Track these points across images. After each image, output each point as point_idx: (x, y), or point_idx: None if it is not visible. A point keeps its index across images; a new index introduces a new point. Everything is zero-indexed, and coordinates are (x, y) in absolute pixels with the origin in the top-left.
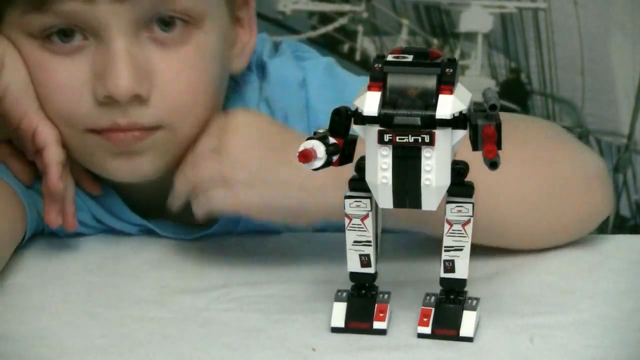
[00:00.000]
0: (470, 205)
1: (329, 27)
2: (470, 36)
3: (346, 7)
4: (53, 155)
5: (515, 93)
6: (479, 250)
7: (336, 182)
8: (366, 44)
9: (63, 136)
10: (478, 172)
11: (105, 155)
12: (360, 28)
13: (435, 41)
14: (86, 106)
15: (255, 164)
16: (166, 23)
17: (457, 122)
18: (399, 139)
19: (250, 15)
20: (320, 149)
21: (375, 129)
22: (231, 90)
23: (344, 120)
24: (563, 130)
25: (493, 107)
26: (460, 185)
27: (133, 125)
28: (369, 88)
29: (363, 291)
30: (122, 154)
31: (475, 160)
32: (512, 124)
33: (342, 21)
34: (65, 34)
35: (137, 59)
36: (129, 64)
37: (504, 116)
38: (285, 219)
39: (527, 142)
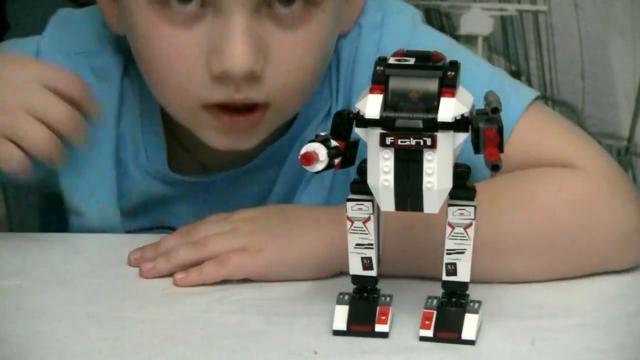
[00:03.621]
0: (472, 208)
1: None
2: (471, 39)
3: None
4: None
5: None
6: None
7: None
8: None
9: (177, 110)
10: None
11: (213, 131)
12: None
13: None
14: (202, 79)
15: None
16: (287, 0)
17: (458, 125)
18: (401, 142)
19: None
20: (322, 151)
21: (377, 132)
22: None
23: (345, 123)
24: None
25: (495, 110)
26: (462, 188)
27: (247, 99)
28: (371, 91)
29: (365, 294)
30: (229, 133)
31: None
32: (523, 180)
33: None
34: None
35: (254, 35)
36: (246, 40)
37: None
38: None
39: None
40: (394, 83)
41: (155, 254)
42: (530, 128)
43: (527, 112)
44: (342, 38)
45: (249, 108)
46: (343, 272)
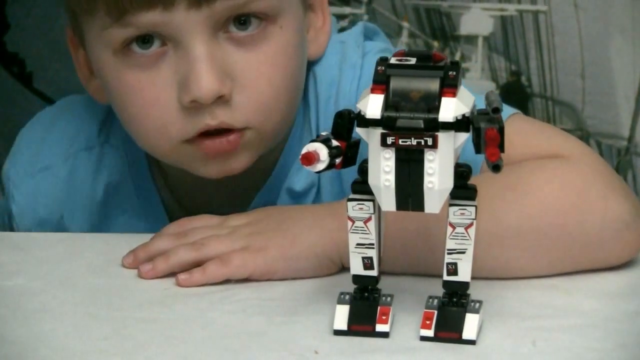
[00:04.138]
0: (473, 208)
1: None
2: (471, 39)
3: (347, 10)
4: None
5: (516, 96)
6: None
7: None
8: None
9: (162, 151)
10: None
11: (197, 160)
12: None
13: (435, 44)
14: (176, 115)
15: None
16: (242, 21)
17: (460, 125)
18: (402, 141)
19: (322, 0)
20: (323, 151)
21: (378, 131)
22: None
23: (347, 123)
24: (593, 175)
25: (496, 110)
26: (463, 188)
27: (223, 125)
28: (372, 91)
29: (366, 294)
30: (215, 158)
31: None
32: (522, 171)
33: (342, 24)
34: (144, 40)
35: (217, 60)
36: (210, 66)
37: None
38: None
39: (533, 194)
40: (395, 83)
41: (147, 255)
42: (514, 130)
43: (509, 119)
44: (318, 75)
45: (227, 130)
46: (344, 269)
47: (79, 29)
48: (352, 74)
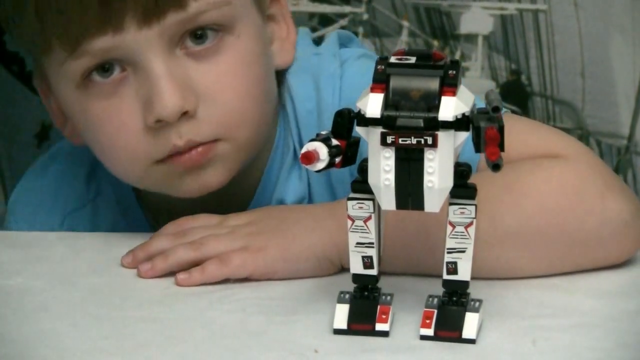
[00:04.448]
0: (473, 207)
1: (329, 29)
2: (471, 38)
3: (347, 9)
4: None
5: (516, 95)
6: None
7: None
8: (366, 46)
9: (136, 176)
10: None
11: (173, 178)
12: (360, 29)
13: (435, 43)
14: (143, 137)
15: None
16: (198, 36)
17: (459, 124)
18: (402, 141)
19: (283, 11)
20: (322, 150)
21: (377, 130)
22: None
23: (346, 122)
24: (595, 176)
25: (496, 109)
26: (462, 187)
27: (191, 142)
28: (372, 90)
29: (365, 293)
30: (189, 172)
31: None
32: (520, 171)
33: (342, 23)
34: (104, 69)
35: (177, 77)
36: (170, 83)
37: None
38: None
39: (532, 195)
40: (395, 82)
41: (146, 254)
42: (510, 129)
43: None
44: (293, 89)
45: (196, 146)
46: (344, 269)
47: (44, 74)
48: (332, 85)
